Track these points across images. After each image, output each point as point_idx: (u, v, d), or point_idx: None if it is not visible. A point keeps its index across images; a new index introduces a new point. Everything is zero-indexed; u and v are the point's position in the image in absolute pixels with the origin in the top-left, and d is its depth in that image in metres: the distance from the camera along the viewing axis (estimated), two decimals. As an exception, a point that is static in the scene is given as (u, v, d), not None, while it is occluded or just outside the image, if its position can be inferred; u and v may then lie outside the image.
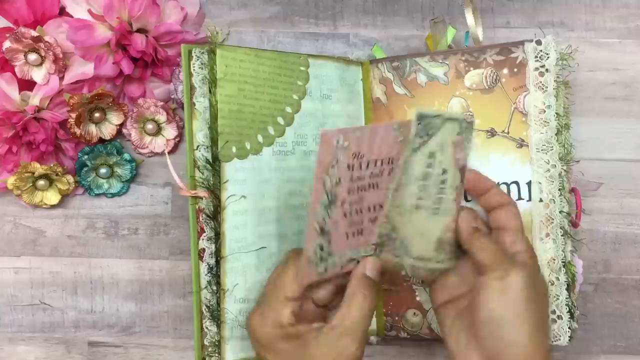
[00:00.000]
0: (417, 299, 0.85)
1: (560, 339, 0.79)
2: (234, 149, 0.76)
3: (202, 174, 0.76)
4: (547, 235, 0.78)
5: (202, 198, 0.76)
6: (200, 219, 0.77)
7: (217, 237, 0.76)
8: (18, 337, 0.91)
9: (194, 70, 0.76)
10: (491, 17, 0.92)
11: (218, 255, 0.76)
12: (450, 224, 0.73)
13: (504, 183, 0.80)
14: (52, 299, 0.92)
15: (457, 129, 0.72)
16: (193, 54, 0.77)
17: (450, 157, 0.72)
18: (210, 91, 0.76)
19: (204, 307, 0.77)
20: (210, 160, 0.76)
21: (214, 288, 0.77)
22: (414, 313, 0.85)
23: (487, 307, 0.67)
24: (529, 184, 0.79)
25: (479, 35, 0.83)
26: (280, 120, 0.80)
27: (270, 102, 0.79)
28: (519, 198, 0.79)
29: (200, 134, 0.76)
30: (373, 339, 0.88)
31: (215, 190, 0.76)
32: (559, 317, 0.79)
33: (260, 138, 0.79)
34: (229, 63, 0.77)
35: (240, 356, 0.78)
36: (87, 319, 0.91)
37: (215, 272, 0.77)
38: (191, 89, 0.77)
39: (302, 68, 0.82)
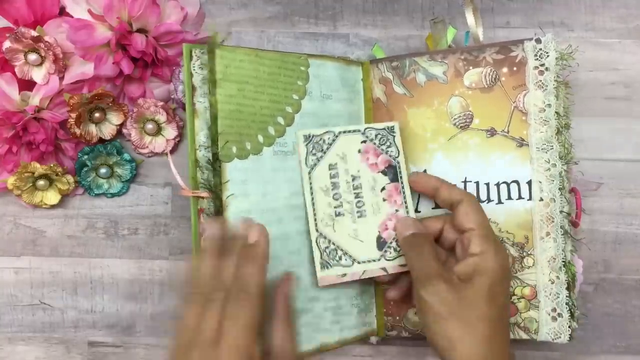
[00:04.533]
0: (418, 298, 0.85)
1: (560, 337, 0.79)
2: (234, 149, 0.76)
3: (203, 174, 0.76)
4: (548, 234, 0.79)
5: (203, 198, 0.76)
6: (202, 219, 0.77)
7: None
8: (18, 337, 0.91)
9: (194, 70, 0.77)
10: (491, 17, 0.92)
11: None
12: (386, 222, 0.81)
13: (504, 182, 0.80)
14: (52, 299, 0.91)
15: (361, 137, 0.82)
16: (193, 54, 0.77)
17: (358, 163, 0.81)
18: (209, 91, 0.76)
19: None
20: (211, 161, 0.76)
21: None
22: (415, 312, 0.85)
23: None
24: (529, 183, 0.79)
25: (479, 35, 0.83)
26: (281, 120, 0.80)
27: (270, 102, 0.79)
28: (520, 197, 0.80)
29: (201, 134, 0.76)
30: (373, 339, 0.88)
31: (216, 190, 0.76)
32: (559, 315, 0.79)
33: (260, 138, 0.79)
34: (229, 63, 0.77)
35: None
36: (87, 319, 0.91)
37: None
38: (192, 89, 0.77)
39: (303, 68, 0.82)
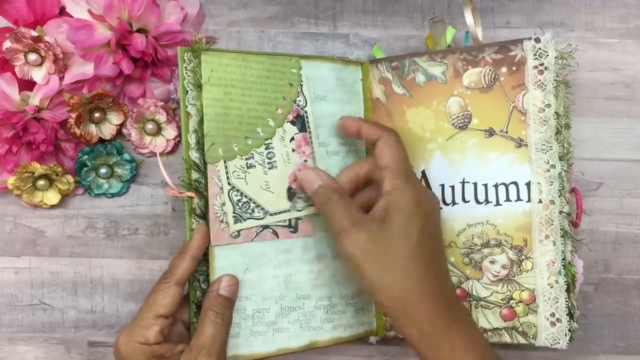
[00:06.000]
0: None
1: (559, 343, 0.79)
2: (220, 151, 0.77)
3: (193, 175, 0.77)
4: (547, 237, 0.78)
5: (192, 198, 0.77)
6: (192, 219, 0.78)
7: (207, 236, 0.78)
8: (18, 337, 0.91)
9: (186, 73, 0.77)
10: (491, 17, 0.92)
11: (206, 254, 0.77)
12: (296, 172, 0.81)
13: (502, 184, 0.80)
14: (52, 299, 0.92)
15: None
16: (185, 58, 0.77)
17: None
18: (196, 95, 0.77)
19: (193, 304, 0.77)
20: (199, 162, 0.77)
21: (203, 286, 0.78)
22: None
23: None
24: (528, 184, 0.79)
25: (479, 36, 0.83)
26: (271, 122, 0.80)
27: (258, 105, 0.80)
28: (518, 199, 0.79)
29: (192, 136, 0.77)
30: (373, 339, 0.88)
31: (203, 191, 0.77)
32: (558, 320, 0.79)
33: (249, 140, 0.79)
34: (214, 68, 0.77)
35: (231, 354, 0.78)
36: (87, 319, 0.91)
37: (204, 271, 0.78)
38: (185, 91, 0.78)
39: (294, 70, 0.82)
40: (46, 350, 0.91)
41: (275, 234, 0.81)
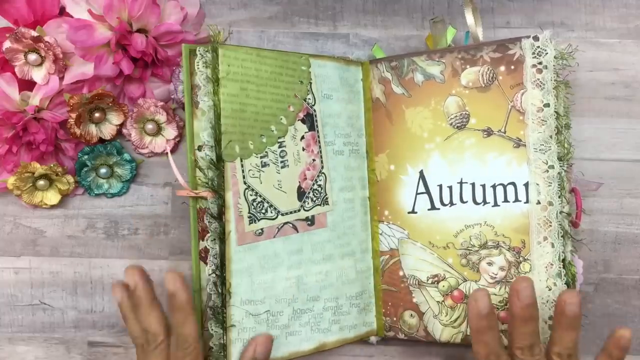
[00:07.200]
0: (414, 300, 0.85)
1: None
2: (237, 149, 0.77)
3: (206, 174, 0.77)
4: (545, 239, 0.78)
5: (205, 198, 0.77)
6: (205, 219, 0.77)
7: (223, 238, 0.77)
8: (18, 337, 0.91)
9: (197, 68, 0.77)
10: (491, 17, 0.92)
11: (223, 256, 0.77)
12: (305, 172, 0.82)
13: (500, 184, 0.79)
14: (52, 299, 0.92)
15: None
16: (197, 52, 0.77)
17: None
18: (213, 90, 0.76)
19: (208, 309, 0.77)
20: (214, 160, 0.76)
21: (220, 290, 0.77)
22: (411, 314, 0.85)
23: None
24: (526, 185, 0.78)
25: (479, 35, 0.83)
26: (283, 119, 0.80)
27: (272, 102, 0.80)
28: (516, 200, 0.79)
29: (204, 133, 0.77)
30: (373, 339, 0.88)
31: (219, 190, 0.76)
32: None
33: (263, 138, 0.79)
34: (231, 62, 0.77)
35: None
36: (87, 319, 0.91)
37: (220, 274, 0.77)
38: (194, 88, 0.78)
39: (304, 68, 0.83)
40: (46, 350, 0.91)
41: (295, 228, 0.81)
